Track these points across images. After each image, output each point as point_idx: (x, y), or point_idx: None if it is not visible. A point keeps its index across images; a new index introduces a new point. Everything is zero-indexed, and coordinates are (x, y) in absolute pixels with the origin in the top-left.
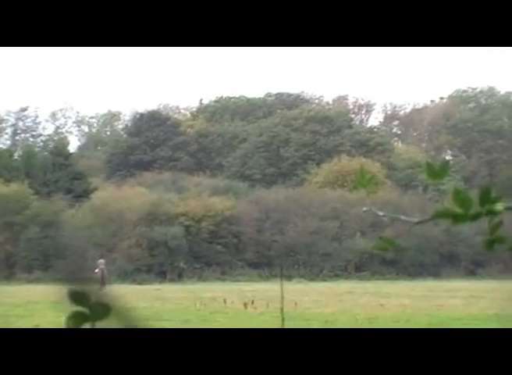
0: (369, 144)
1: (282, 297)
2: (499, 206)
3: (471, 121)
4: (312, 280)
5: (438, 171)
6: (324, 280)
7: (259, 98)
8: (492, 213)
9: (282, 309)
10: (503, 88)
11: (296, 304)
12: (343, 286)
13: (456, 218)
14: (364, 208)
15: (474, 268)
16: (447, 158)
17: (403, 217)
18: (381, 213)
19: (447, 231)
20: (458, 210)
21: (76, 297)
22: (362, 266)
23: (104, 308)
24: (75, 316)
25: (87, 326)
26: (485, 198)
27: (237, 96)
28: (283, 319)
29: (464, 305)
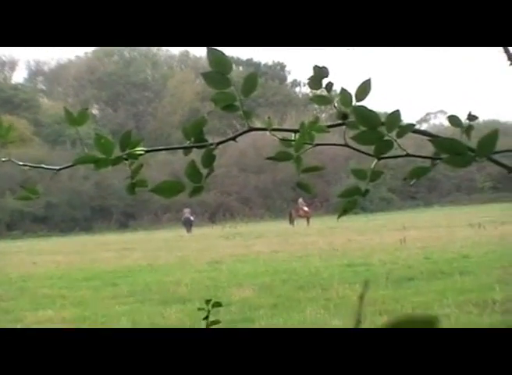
0: (14, 101)
1: None
2: (139, 150)
3: (115, 74)
4: None
5: (77, 117)
6: None
7: None
8: (133, 157)
9: None
10: None
11: None
12: None
13: (98, 162)
14: (3, 159)
15: (125, 220)
16: (94, 112)
17: (44, 166)
18: (20, 163)
19: (98, 185)
20: (100, 155)
21: None
22: (13, 225)
23: None
24: None
25: None
26: (126, 142)
27: None
28: None
29: (117, 258)
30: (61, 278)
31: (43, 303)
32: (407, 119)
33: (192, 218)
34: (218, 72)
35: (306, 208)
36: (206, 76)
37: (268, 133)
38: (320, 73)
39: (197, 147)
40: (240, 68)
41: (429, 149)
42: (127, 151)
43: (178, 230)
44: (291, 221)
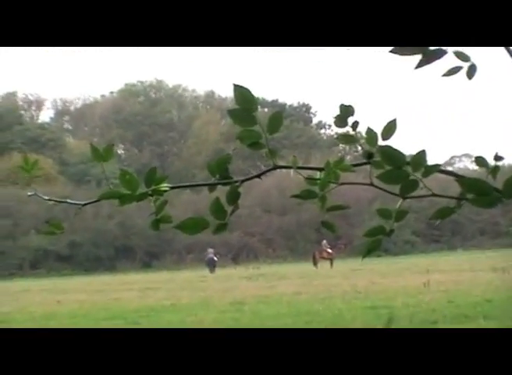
0: (40, 140)
1: None
2: (164, 186)
3: (140, 114)
4: None
5: (102, 153)
6: None
7: None
8: (158, 193)
9: None
10: (170, 81)
11: None
12: (19, 284)
13: (123, 198)
14: (29, 193)
15: (149, 260)
16: (119, 151)
17: (69, 200)
18: (46, 197)
19: (121, 224)
20: (125, 191)
21: None
22: (37, 264)
23: None
24: None
25: None
26: (151, 178)
27: None
28: None
29: (141, 297)
30: (84, 317)
31: None
32: (431, 162)
33: (215, 258)
34: (244, 109)
35: (329, 250)
36: (232, 113)
37: (292, 174)
38: (346, 111)
39: (222, 184)
40: (266, 109)
41: (454, 191)
42: (152, 188)
43: (201, 270)
44: (314, 263)
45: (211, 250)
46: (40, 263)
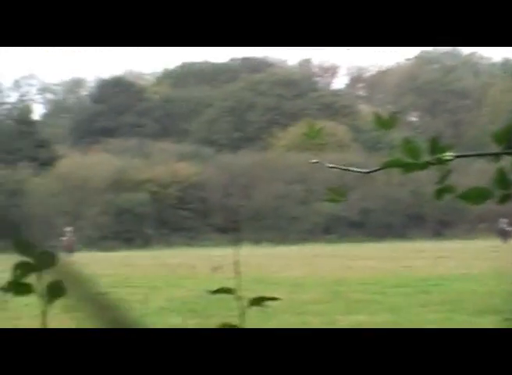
0: (334, 107)
1: (237, 261)
2: (448, 155)
3: (435, 82)
4: (279, 243)
5: (386, 121)
6: (291, 244)
7: (224, 63)
8: (441, 162)
9: (238, 274)
10: (466, 49)
11: (263, 268)
12: (310, 249)
13: (406, 167)
14: (313, 160)
15: (440, 229)
16: (413, 119)
17: (353, 168)
18: (330, 165)
19: (414, 193)
20: (408, 159)
21: (22, 246)
22: (329, 229)
23: (50, 257)
24: (21, 266)
25: (33, 275)
26: (435, 147)
27: (201, 61)
28: (239, 284)
29: (432, 266)
30: (374, 284)
31: (355, 308)
32: None
33: (508, 229)
34: None
35: None
36: None
37: None
38: None
39: (507, 153)
40: None
41: None
42: (435, 156)
43: (493, 240)
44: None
45: (504, 220)
46: (331, 229)
